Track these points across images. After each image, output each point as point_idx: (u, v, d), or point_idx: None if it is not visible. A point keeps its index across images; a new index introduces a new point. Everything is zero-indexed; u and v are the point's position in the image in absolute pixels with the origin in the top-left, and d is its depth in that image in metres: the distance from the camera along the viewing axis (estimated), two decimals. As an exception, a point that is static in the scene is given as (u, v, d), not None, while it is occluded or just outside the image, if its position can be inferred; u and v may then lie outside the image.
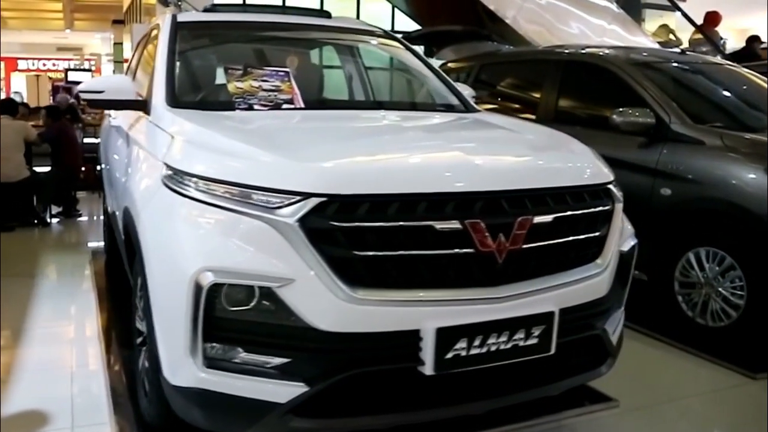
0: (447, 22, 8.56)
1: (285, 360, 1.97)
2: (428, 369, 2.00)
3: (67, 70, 18.91)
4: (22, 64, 24.69)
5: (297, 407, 1.96)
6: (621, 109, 4.18)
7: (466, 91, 3.66)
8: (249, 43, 3.69)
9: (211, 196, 2.07)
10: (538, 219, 2.15)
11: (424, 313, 2.00)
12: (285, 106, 2.99)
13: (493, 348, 2.07)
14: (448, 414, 2.17)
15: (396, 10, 12.08)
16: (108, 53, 21.96)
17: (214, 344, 2.00)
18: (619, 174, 4.08)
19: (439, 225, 2.00)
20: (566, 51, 5.18)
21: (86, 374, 3.34)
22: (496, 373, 2.15)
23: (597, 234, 2.35)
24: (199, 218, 2.08)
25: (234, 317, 1.98)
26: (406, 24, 10.88)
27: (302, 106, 3.00)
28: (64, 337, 3.92)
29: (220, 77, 3.25)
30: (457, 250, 2.02)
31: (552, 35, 8.82)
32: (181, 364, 2.05)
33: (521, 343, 2.11)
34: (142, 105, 3.07)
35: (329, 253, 1.93)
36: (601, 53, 4.84)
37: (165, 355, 2.13)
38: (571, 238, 2.26)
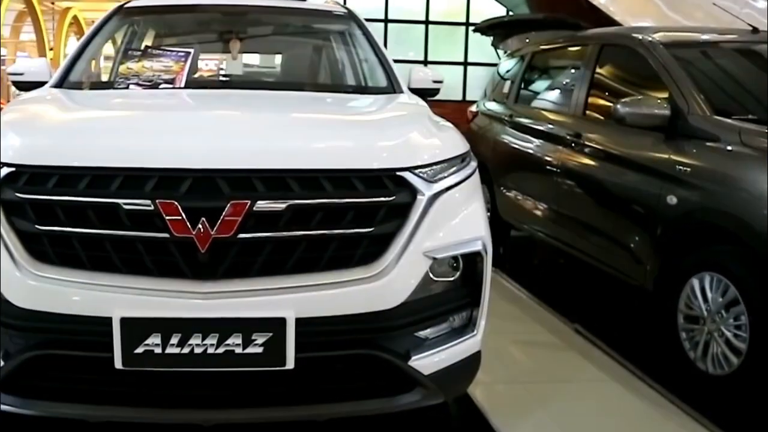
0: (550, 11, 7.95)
1: None
2: (118, 362, 1.81)
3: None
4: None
5: (4, 382, 1.89)
6: (628, 99, 3.45)
7: (428, 76, 3.18)
8: (184, 27, 3.65)
9: None
10: (263, 205, 1.81)
11: (114, 300, 1.81)
12: (163, 86, 2.78)
13: (198, 350, 1.80)
14: (158, 417, 1.95)
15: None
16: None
17: None
18: (631, 177, 3.51)
19: (127, 204, 1.80)
20: (602, 33, 4.44)
21: None
22: (215, 381, 1.88)
23: (370, 231, 1.89)
24: None
25: None
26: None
27: (182, 86, 2.79)
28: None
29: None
30: (149, 234, 1.80)
31: (664, 18, 7.82)
32: None
33: (238, 350, 1.80)
34: None
35: (17, 225, 1.86)
36: (634, 33, 4.05)
37: None
38: (320, 232, 1.86)
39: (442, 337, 2.04)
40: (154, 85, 2.80)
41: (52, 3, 14.07)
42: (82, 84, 2.95)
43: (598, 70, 4.25)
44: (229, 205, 1.79)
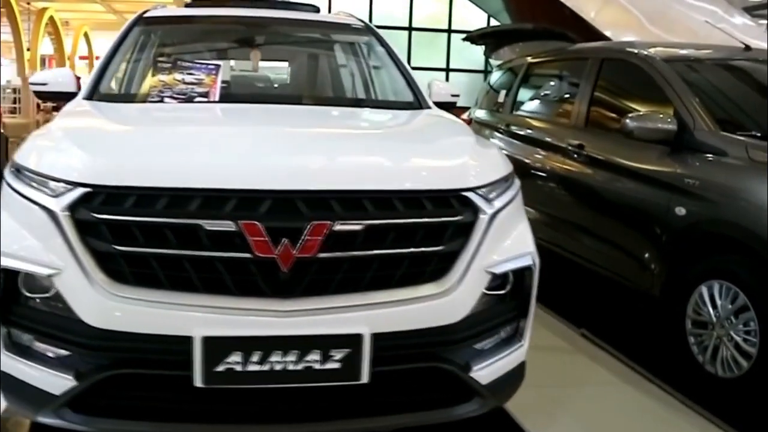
0: (543, 23, 8.10)
1: (65, 353, 1.93)
2: (198, 380, 1.84)
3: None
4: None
5: (73, 401, 1.91)
6: (635, 114, 3.60)
7: (446, 90, 3.28)
8: (206, 37, 3.64)
9: (20, 184, 2.06)
10: (342, 225, 1.86)
11: (195, 320, 1.83)
12: (198, 99, 2.82)
13: (278, 367, 1.84)
14: None
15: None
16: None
17: (14, 329, 2.00)
18: (637, 188, 3.66)
19: (209, 225, 1.82)
20: (602, 47, 4.59)
21: None
22: (296, 396, 1.92)
23: (439, 249, 1.97)
24: (9, 206, 2.08)
25: (28, 304, 1.97)
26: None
27: (216, 99, 2.82)
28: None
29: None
30: (231, 254, 1.83)
31: (645, 32, 8.04)
32: None
33: (317, 366, 1.85)
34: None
35: (93, 245, 1.86)
36: (634, 49, 4.20)
37: None
38: (394, 251, 1.92)
39: (495, 348, 2.13)
40: (189, 99, 2.82)
41: (28, 3, 13.84)
42: (114, 96, 2.96)
43: (599, 83, 4.39)
44: (310, 225, 1.83)
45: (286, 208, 1.84)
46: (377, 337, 1.87)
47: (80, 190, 1.88)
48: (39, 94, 3.26)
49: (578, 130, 4.43)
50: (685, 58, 4.03)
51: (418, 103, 3.08)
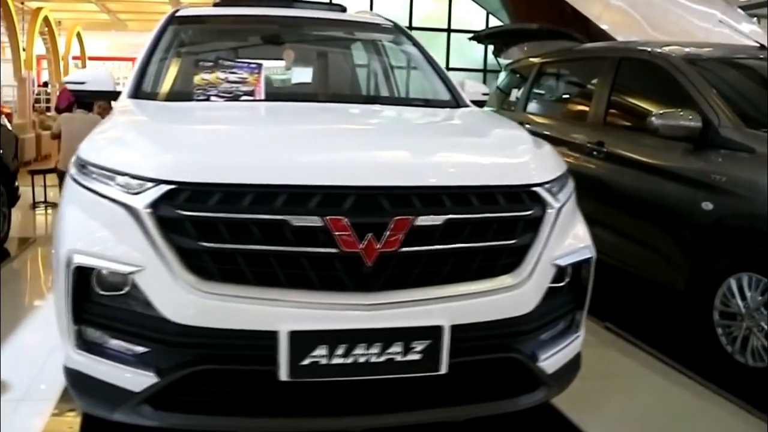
0: (541, 22, 8.18)
1: (144, 349, 1.94)
2: (284, 374, 1.86)
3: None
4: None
5: (153, 398, 1.92)
6: (661, 111, 3.67)
7: (477, 89, 3.35)
8: (240, 36, 3.66)
9: (89, 180, 2.07)
10: (423, 220, 1.90)
11: (280, 314, 1.86)
12: (244, 97, 2.85)
13: (362, 360, 1.88)
14: (315, 426, 2.01)
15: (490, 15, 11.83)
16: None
17: (85, 327, 2.01)
18: (661, 184, 3.74)
19: (296, 220, 1.84)
20: (620, 47, 4.67)
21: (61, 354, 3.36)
22: (374, 388, 1.95)
23: (512, 243, 2.03)
24: (78, 202, 2.09)
25: (102, 302, 1.97)
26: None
27: (263, 98, 2.85)
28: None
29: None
30: (317, 249, 1.86)
31: (645, 34, 8.15)
32: (65, 344, 2.08)
33: (399, 358, 1.89)
34: (116, 96, 3.06)
35: (177, 242, 1.87)
36: (652, 49, 4.28)
37: (60, 334, 2.15)
38: (472, 245, 1.97)
39: (557, 339, 2.20)
40: (235, 98, 2.86)
41: (22, 3, 13.73)
42: (159, 95, 2.97)
43: (617, 82, 4.47)
44: (394, 220, 1.86)
45: (370, 204, 1.88)
46: (455, 329, 1.91)
47: (164, 187, 1.88)
48: (75, 93, 3.28)
49: (596, 128, 4.50)
50: (704, 57, 4.11)
51: (455, 101, 3.14)
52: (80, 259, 1.93)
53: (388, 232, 1.86)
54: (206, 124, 2.47)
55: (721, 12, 8.40)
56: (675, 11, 8.46)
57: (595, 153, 4.38)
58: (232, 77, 2.96)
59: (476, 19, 12.49)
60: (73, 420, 2.68)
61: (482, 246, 1.98)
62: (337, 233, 1.83)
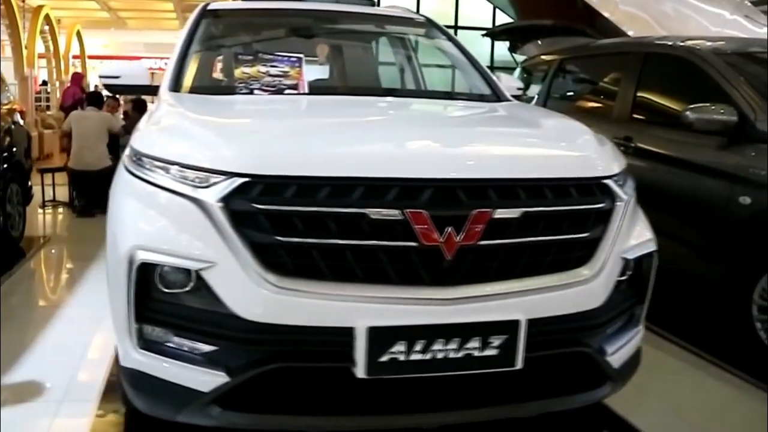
0: (548, 17, 8.17)
1: (212, 348, 1.88)
2: (360, 371, 1.81)
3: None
4: (145, 63, 26.29)
5: (222, 398, 1.87)
6: (696, 105, 3.65)
7: (512, 83, 3.33)
8: (274, 30, 3.60)
9: (150, 174, 2.02)
10: (501, 213, 1.87)
11: (357, 310, 1.81)
12: (287, 91, 2.82)
13: (440, 355, 1.83)
14: (390, 424, 1.97)
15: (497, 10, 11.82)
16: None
17: (148, 325, 1.94)
18: (694, 179, 3.72)
19: (375, 213, 1.80)
20: (646, 42, 4.65)
21: (99, 353, 3.36)
22: (450, 384, 1.91)
23: (585, 236, 2.01)
24: (139, 196, 2.03)
25: (166, 299, 1.91)
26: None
27: (306, 91, 2.82)
28: (95, 317, 3.92)
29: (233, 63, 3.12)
30: (396, 243, 1.81)
31: (661, 27, 8.15)
32: (123, 344, 2.01)
33: (476, 353, 1.85)
34: (154, 90, 3.02)
35: (252, 237, 1.81)
36: (682, 43, 4.27)
37: (115, 333, 2.09)
38: (547, 238, 1.94)
39: (621, 333, 2.18)
40: (278, 91, 2.83)
41: (23, 1, 13.61)
42: (201, 88, 2.92)
43: (643, 77, 4.45)
44: (473, 213, 1.83)
45: (448, 197, 1.84)
46: (531, 323, 1.89)
47: (237, 181, 1.82)
48: (110, 87, 3.24)
49: (623, 123, 4.48)
50: (733, 51, 4.09)
51: (495, 95, 3.11)
52: (145, 256, 1.87)
53: (467, 225, 1.82)
54: (266, 117, 2.42)
55: (729, 13, 8.40)
56: (684, 12, 8.48)
57: (623, 149, 4.35)
58: (273, 71, 2.93)
59: (483, 14, 12.43)
60: (118, 420, 2.64)
61: (557, 239, 1.95)
62: (417, 226, 1.79)
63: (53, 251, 5.83)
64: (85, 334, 3.61)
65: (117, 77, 3.12)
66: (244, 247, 1.80)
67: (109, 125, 7.36)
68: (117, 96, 9.53)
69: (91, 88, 12.84)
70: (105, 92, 7.72)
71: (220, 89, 2.98)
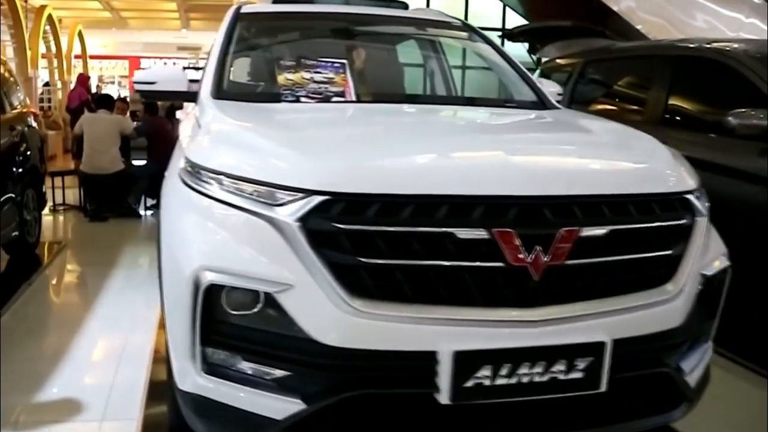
0: (558, 17, 8.09)
1: (285, 373, 1.80)
2: (444, 397, 1.72)
3: (184, 68, 19.60)
4: (144, 63, 26.12)
5: (295, 426, 1.77)
6: (739, 110, 3.59)
7: (552, 88, 3.26)
8: (311, 34, 3.52)
9: (216, 190, 1.91)
10: (588, 231, 1.80)
11: (441, 334, 1.72)
12: (335, 98, 2.73)
13: (525, 379, 1.76)
14: None
15: (507, 8, 11.74)
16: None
17: (214, 349, 1.85)
18: (734, 185, 3.66)
19: (461, 233, 1.72)
20: (678, 45, 4.58)
21: (132, 367, 3.28)
22: (531, 409, 1.83)
23: (668, 252, 1.94)
24: (204, 214, 1.93)
25: (234, 322, 1.81)
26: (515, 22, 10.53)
27: (354, 98, 2.73)
28: (122, 327, 3.88)
29: (274, 69, 3.03)
30: (483, 263, 1.73)
31: (675, 30, 8.10)
32: (183, 367, 1.92)
33: (561, 377, 1.78)
34: (192, 97, 2.92)
35: (332, 258, 1.72)
36: (718, 46, 4.20)
37: (173, 355, 2.01)
38: (632, 256, 1.87)
39: (695, 351, 2.12)
40: (325, 98, 2.74)
41: (26, 1, 13.46)
42: (244, 95, 2.83)
43: (675, 80, 4.38)
44: (561, 231, 1.76)
45: (535, 215, 1.77)
46: (616, 344, 1.82)
47: (316, 199, 1.72)
48: (145, 94, 3.14)
49: (654, 128, 4.37)
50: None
51: (541, 102, 3.04)
52: (213, 277, 1.77)
53: (555, 244, 1.75)
54: (333, 128, 2.33)
55: (744, 16, 8.35)
56: (699, 16, 8.46)
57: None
58: (317, 77, 2.84)
59: (493, 12, 12.30)
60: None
61: (641, 257, 1.89)
62: (504, 246, 1.72)
63: (70, 258, 5.74)
64: (115, 346, 3.54)
65: (152, 83, 3.01)
66: (324, 268, 1.71)
67: (121, 128, 7.26)
68: (126, 98, 9.45)
69: (92, 89, 12.74)
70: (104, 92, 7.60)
71: (265, 96, 2.88)
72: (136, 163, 7.73)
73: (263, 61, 3.27)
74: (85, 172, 7.13)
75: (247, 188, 1.83)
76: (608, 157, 2.12)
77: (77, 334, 3.72)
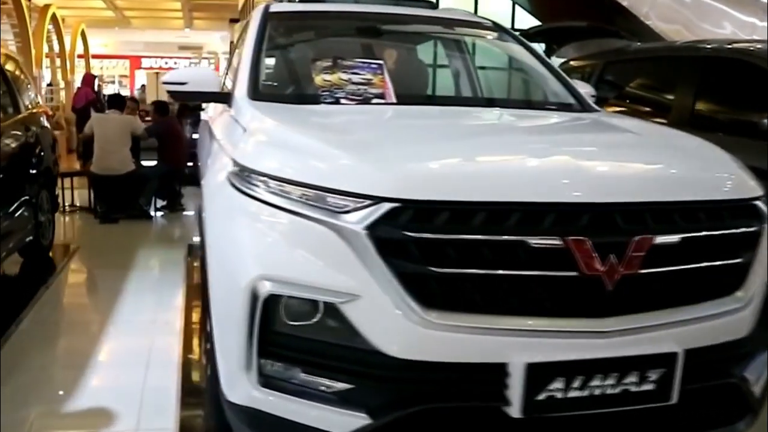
0: (570, 18, 8.04)
1: (347, 386, 1.73)
2: (515, 411, 1.67)
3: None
4: (145, 63, 26.07)
5: None
6: (775, 113, 3.53)
7: (585, 89, 3.20)
8: (342, 34, 3.44)
9: (274, 196, 1.83)
10: (661, 239, 1.74)
11: (512, 345, 1.67)
12: (375, 100, 2.68)
13: (597, 392, 1.71)
14: None
15: (516, 7, 11.67)
16: (225, 51, 22.75)
17: (271, 361, 1.79)
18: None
19: (534, 241, 1.66)
20: (706, 46, 4.52)
21: (160, 372, 3.23)
22: (600, 422, 1.78)
23: (738, 260, 1.89)
24: (260, 221, 1.85)
25: (293, 333, 1.75)
26: (527, 22, 10.46)
27: (394, 100, 2.67)
28: (143, 331, 3.82)
29: (309, 70, 2.96)
30: (556, 273, 1.67)
31: (690, 32, 8.06)
32: (236, 379, 1.85)
33: (633, 389, 1.73)
34: (225, 98, 2.85)
35: (401, 267, 1.66)
36: (749, 48, 4.14)
37: (222, 366, 1.95)
38: (703, 264, 1.82)
39: (759, 360, 2.06)
40: (365, 100, 2.67)
41: (29, 0, 13.38)
42: (280, 97, 2.76)
43: (703, 82, 4.32)
44: (635, 240, 1.71)
45: (608, 223, 1.72)
46: (688, 354, 1.77)
47: (385, 206, 1.65)
48: (175, 95, 3.05)
49: (681, 129, 4.35)
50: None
51: (580, 105, 2.97)
52: (272, 287, 1.71)
53: (629, 253, 1.70)
54: (392, 133, 2.24)
55: (759, 20, 8.30)
56: (713, 18, 8.44)
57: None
58: (355, 78, 2.77)
59: (503, 10, 12.21)
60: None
61: (712, 265, 1.83)
62: (579, 255, 1.66)
63: (84, 260, 5.66)
64: (140, 352, 3.46)
65: (184, 83, 2.92)
66: (392, 278, 1.65)
67: (132, 128, 7.18)
68: (135, 98, 9.37)
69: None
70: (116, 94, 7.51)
71: (304, 98, 2.80)
72: (145, 163, 7.65)
73: (296, 62, 3.19)
74: (96, 173, 7.05)
75: (308, 194, 1.76)
76: (676, 163, 2.05)
77: (99, 339, 3.65)
